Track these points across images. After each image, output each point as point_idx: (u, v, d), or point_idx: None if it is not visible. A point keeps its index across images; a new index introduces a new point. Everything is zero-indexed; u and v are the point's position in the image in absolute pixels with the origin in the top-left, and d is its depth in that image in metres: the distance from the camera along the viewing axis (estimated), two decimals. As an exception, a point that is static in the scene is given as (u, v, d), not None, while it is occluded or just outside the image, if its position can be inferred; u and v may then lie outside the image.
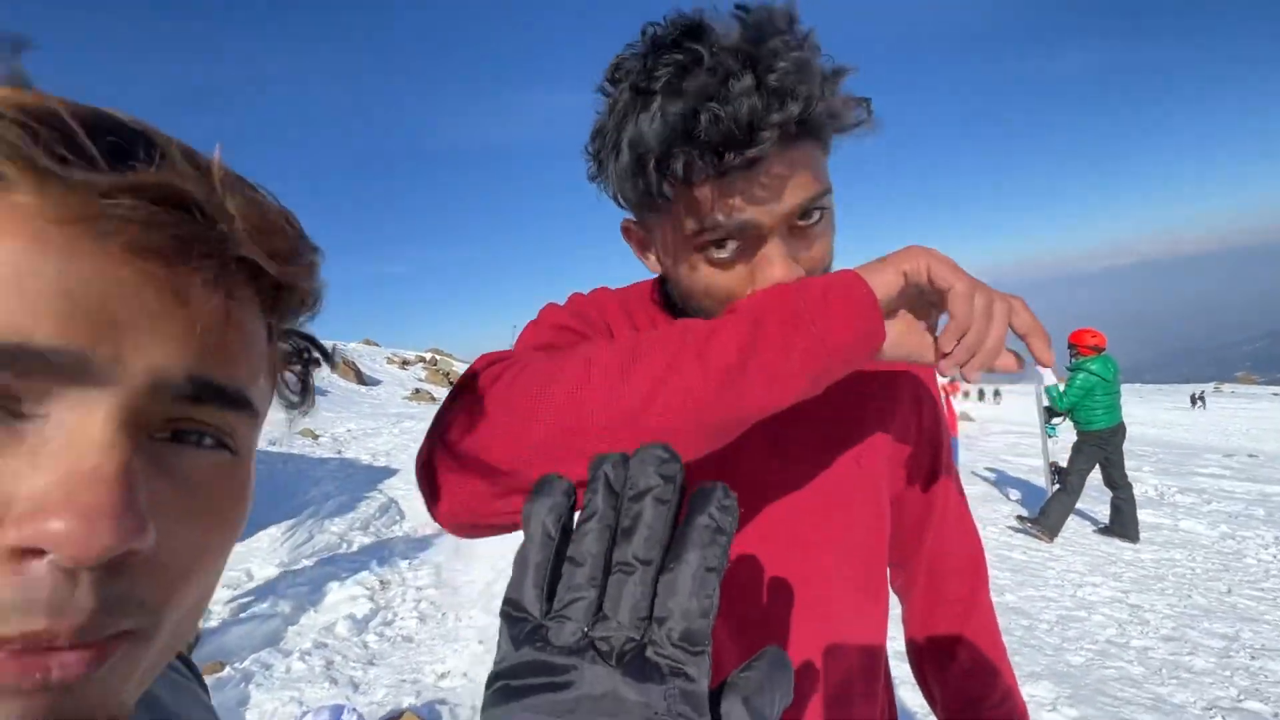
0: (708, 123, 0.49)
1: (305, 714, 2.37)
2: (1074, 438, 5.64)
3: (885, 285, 0.50)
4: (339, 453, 8.15)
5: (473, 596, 4.17)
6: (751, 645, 0.66)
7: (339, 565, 4.56)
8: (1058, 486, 5.56)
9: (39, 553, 0.21)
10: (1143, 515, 5.48)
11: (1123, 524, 5.31)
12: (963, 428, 11.32)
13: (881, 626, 0.76)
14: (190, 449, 0.26)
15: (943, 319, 0.52)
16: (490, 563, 4.59)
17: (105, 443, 0.22)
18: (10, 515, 0.21)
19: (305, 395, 0.35)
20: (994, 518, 6.00)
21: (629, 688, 0.25)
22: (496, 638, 0.29)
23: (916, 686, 0.86)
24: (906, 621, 0.86)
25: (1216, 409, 17.48)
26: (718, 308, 0.58)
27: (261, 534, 4.88)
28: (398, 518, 5.84)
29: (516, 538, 0.32)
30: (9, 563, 0.21)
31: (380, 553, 4.90)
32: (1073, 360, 5.62)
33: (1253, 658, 3.31)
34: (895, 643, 0.87)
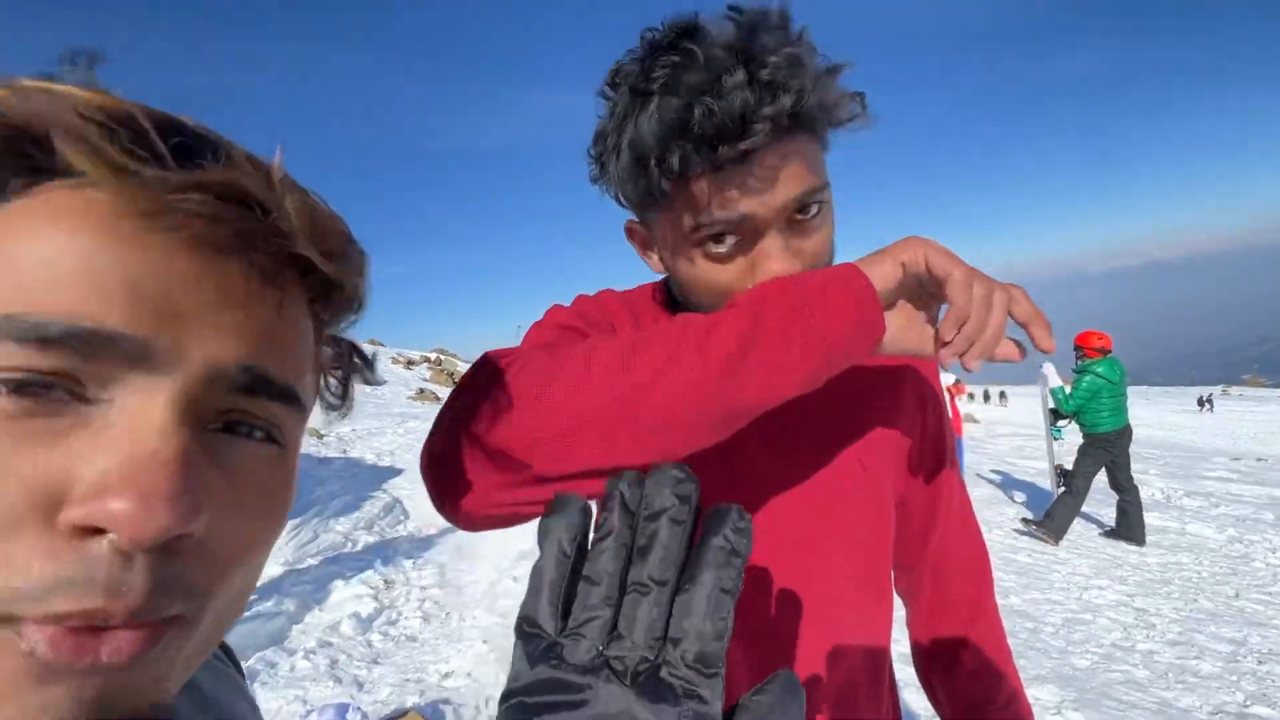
0: (701, 116, 0.50)
1: (309, 712, 2.38)
2: (1080, 440, 5.62)
3: (884, 277, 0.51)
4: (344, 452, 8.16)
5: (476, 596, 4.17)
6: (752, 640, 0.66)
7: (343, 564, 4.56)
8: (1063, 489, 5.53)
9: (100, 532, 0.22)
10: (1149, 518, 5.46)
11: (1129, 527, 5.29)
12: (968, 430, 11.28)
13: (886, 627, 0.75)
14: (241, 440, 0.27)
15: (943, 310, 0.52)
16: (494, 563, 4.59)
17: (164, 428, 0.23)
18: (74, 494, 0.22)
19: (345, 399, 0.36)
20: (999, 520, 5.98)
21: (643, 708, 0.25)
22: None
23: (921, 689, 0.86)
24: (911, 624, 0.86)
25: (1224, 412, 17.38)
26: (718, 303, 0.58)
27: (267, 533, 4.89)
28: (402, 517, 5.84)
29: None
30: (71, 540, 0.22)
31: (385, 552, 4.90)
32: (1079, 362, 5.60)
33: (1260, 662, 3.29)
34: (900, 645, 0.86)
